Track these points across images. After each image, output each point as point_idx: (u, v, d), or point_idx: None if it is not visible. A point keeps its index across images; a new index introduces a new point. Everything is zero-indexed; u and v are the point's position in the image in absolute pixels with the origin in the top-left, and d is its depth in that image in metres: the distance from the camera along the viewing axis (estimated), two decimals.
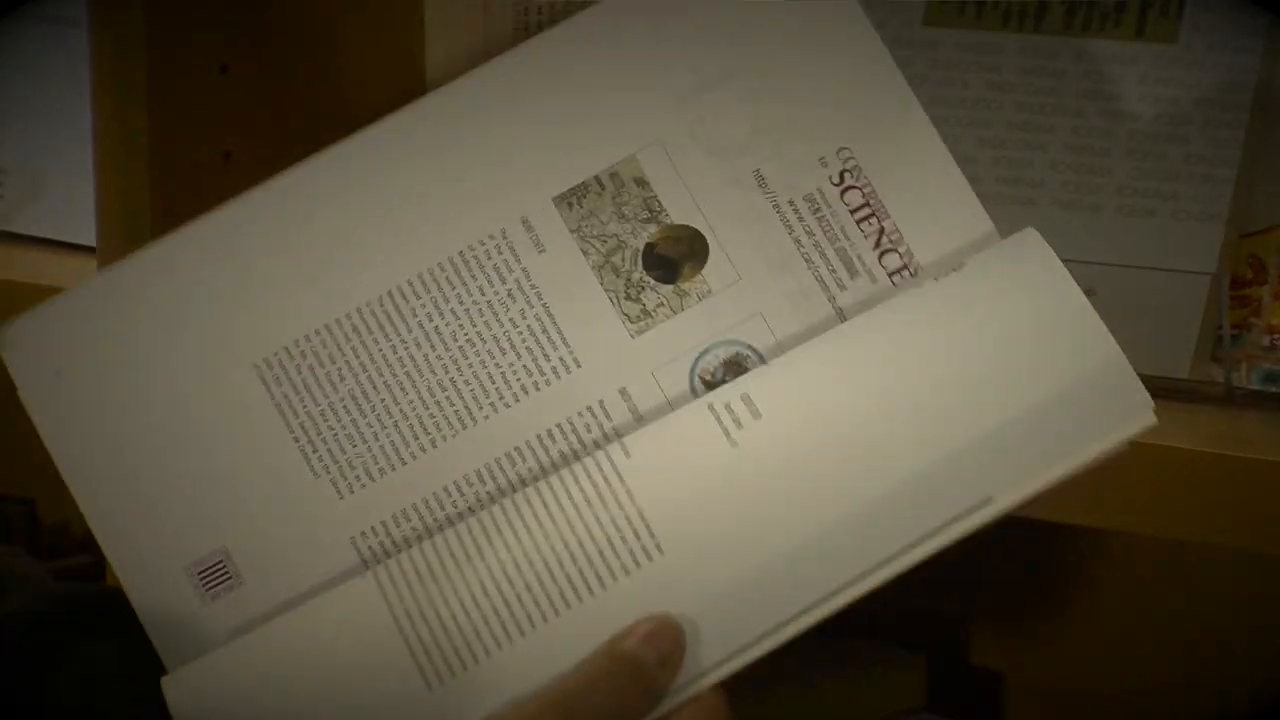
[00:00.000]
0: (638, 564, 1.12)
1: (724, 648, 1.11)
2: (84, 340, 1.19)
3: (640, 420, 1.17)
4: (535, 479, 1.17)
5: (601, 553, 1.12)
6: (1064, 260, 1.23)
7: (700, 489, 1.14)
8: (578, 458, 1.16)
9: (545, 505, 1.15)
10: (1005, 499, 1.08)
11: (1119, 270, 1.32)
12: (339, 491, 1.15)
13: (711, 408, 1.12)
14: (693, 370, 1.15)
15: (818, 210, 1.13)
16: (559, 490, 1.15)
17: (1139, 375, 1.21)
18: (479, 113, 1.18)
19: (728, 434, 1.12)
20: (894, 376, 1.14)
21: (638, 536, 1.12)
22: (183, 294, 1.19)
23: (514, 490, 1.17)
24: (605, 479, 1.14)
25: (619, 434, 1.17)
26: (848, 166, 1.14)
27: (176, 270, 1.19)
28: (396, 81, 1.51)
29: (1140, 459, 1.14)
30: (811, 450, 1.13)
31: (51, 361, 1.18)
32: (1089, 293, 1.22)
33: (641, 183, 1.14)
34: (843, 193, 1.13)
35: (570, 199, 1.14)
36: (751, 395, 1.12)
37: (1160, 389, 1.21)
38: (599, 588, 1.12)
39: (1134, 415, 1.09)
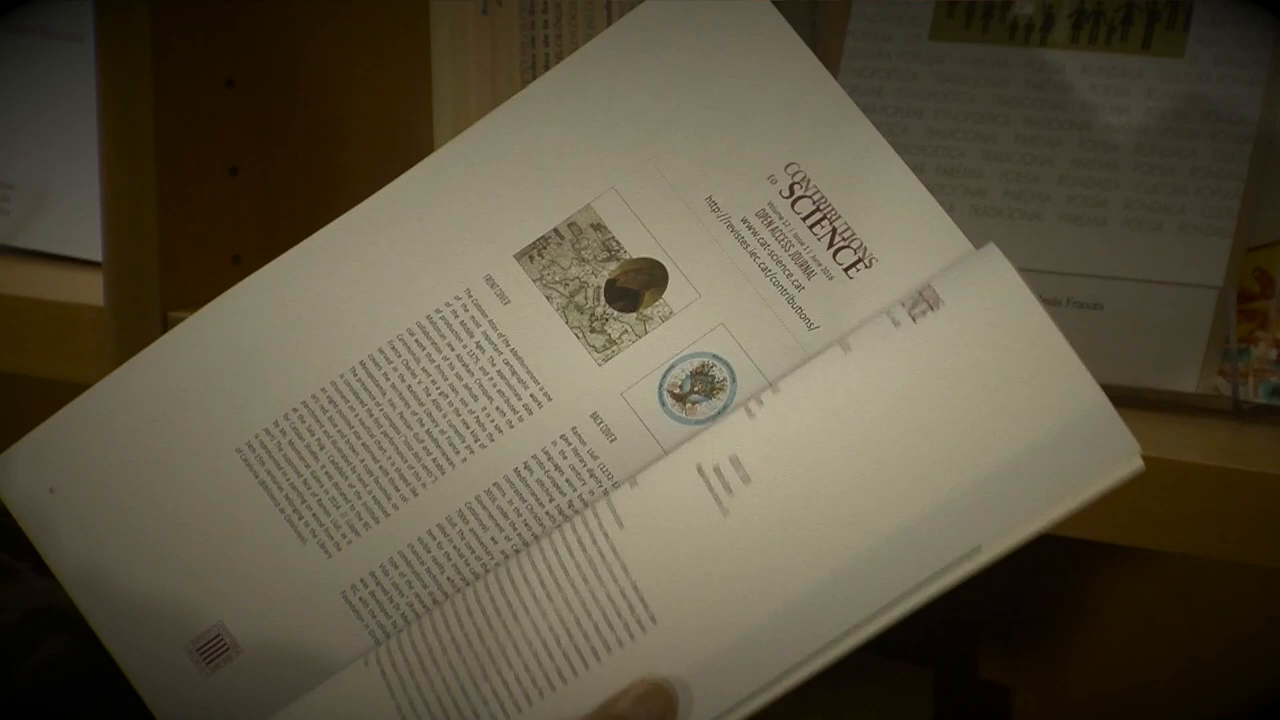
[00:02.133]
0: (632, 636, 1.12)
1: (716, 706, 1.12)
2: (73, 458, 1.21)
3: (613, 439, 1.16)
4: (513, 517, 1.17)
5: (598, 628, 1.13)
6: (1071, 275, 1.31)
7: (693, 559, 1.15)
8: (556, 486, 1.17)
9: (541, 582, 1.15)
10: (994, 548, 1.09)
11: (1126, 284, 1.32)
12: (326, 551, 1.17)
13: (701, 470, 1.13)
14: (660, 385, 1.15)
15: (770, 223, 1.14)
16: (554, 564, 1.15)
17: (1146, 389, 1.27)
18: (443, 186, 1.21)
19: (719, 502, 1.13)
20: (879, 430, 1.14)
21: (632, 610, 1.13)
22: (163, 398, 1.21)
23: (495, 531, 1.17)
24: (600, 554, 1.15)
25: (594, 456, 1.17)
26: (796, 179, 1.15)
27: (154, 379, 1.21)
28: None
29: (1149, 473, 1.11)
30: (801, 513, 1.14)
31: (44, 481, 1.20)
32: (1096, 307, 1.30)
33: (599, 227, 1.16)
34: (793, 203, 1.14)
35: (531, 252, 1.16)
36: (740, 457, 1.12)
37: (1167, 403, 1.29)
38: (594, 661, 1.13)
39: (1121, 462, 1.08)
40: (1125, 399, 1.18)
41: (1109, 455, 1.09)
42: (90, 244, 1.55)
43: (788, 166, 1.15)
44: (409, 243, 1.20)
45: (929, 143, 1.32)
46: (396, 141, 1.61)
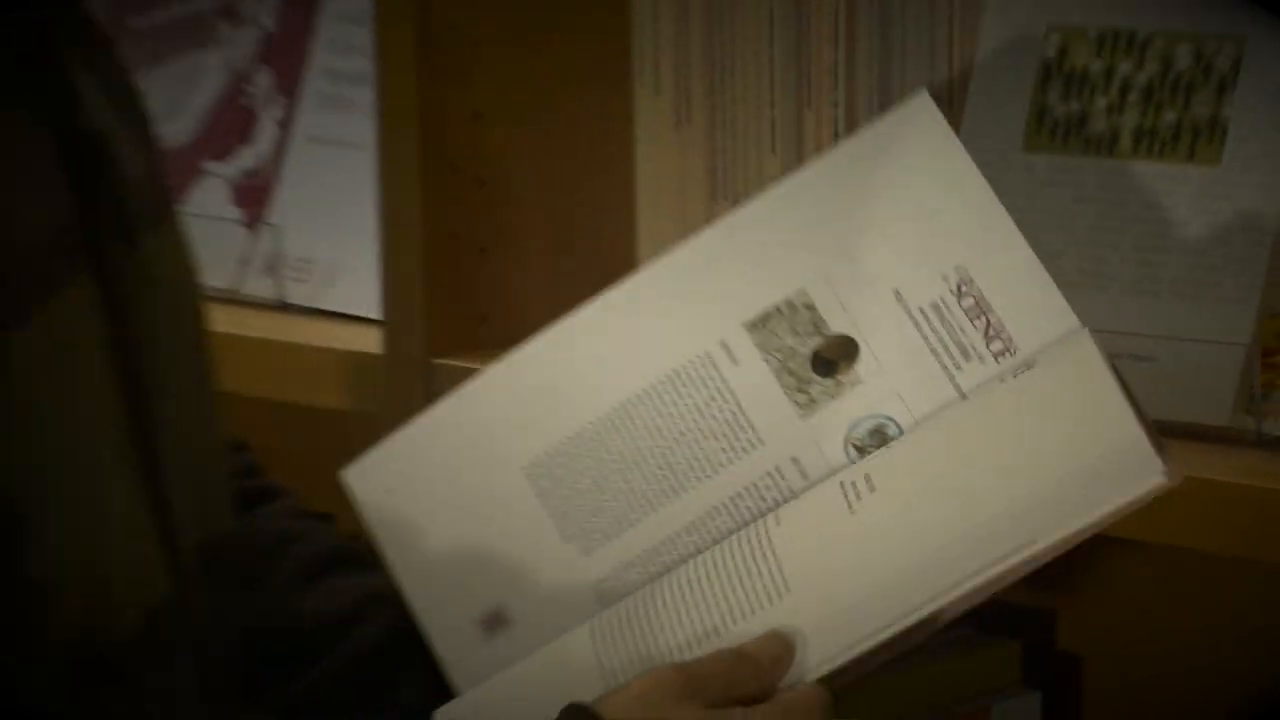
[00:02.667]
0: (770, 601, 1.18)
1: (824, 654, 1.16)
2: (406, 467, 1.26)
3: (806, 479, 1.22)
4: (727, 534, 1.23)
5: (748, 596, 1.18)
6: (1131, 334, 1.32)
7: (822, 544, 1.19)
8: (761, 515, 1.22)
9: (716, 567, 1.21)
10: (1044, 541, 1.13)
11: (1174, 341, 1.35)
12: (585, 551, 1.22)
13: (841, 485, 1.19)
14: (846, 440, 1.21)
15: (940, 314, 1.18)
16: (726, 555, 1.21)
17: (1190, 424, 1.29)
18: (693, 270, 1.25)
19: (850, 505, 1.18)
20: (969, 460, 1.19)
21: (774, 580, 1.18)
22: (473, 424, 1.25)
23: (712, 544, 1.23)
24: (759, 543, 1.21)
25: (793, 492, 1.22)
26: (963, 279, 1.19)
27: (468, 410, 1.26)
28: (612, 258, 1.56)
29: (1189, 486, 1.14)
30: (908, 513, 1.18)
31: (385, 485, 1.25)
32: (1150, 359, 1.31)
33: (810, 307, 1.20)
34: (959, 299, 1.19)
35: (757, 324, 1.20)
36: (871, 475, 1.19)
37: (1207, 435, 1.30)
38: (741, 619, 1.18)
39: (1147, 479, 1.12)
40: (1172, 431, 1.22)
41: (1138, 475, 1.12)
42: (371, 306, 1.56)
43: (956, 268, 1.19)
44: (665, 313, 1.24)
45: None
46: (603, 228, 1.60)
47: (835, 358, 1.19)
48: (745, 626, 1.16)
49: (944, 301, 1.18)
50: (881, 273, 1.20)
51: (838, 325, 1.19)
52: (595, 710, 1.14)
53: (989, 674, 1.52)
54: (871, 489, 1.18)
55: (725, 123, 1.53)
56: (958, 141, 1.20)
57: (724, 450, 1.21)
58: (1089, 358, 1.16)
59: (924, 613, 1.13)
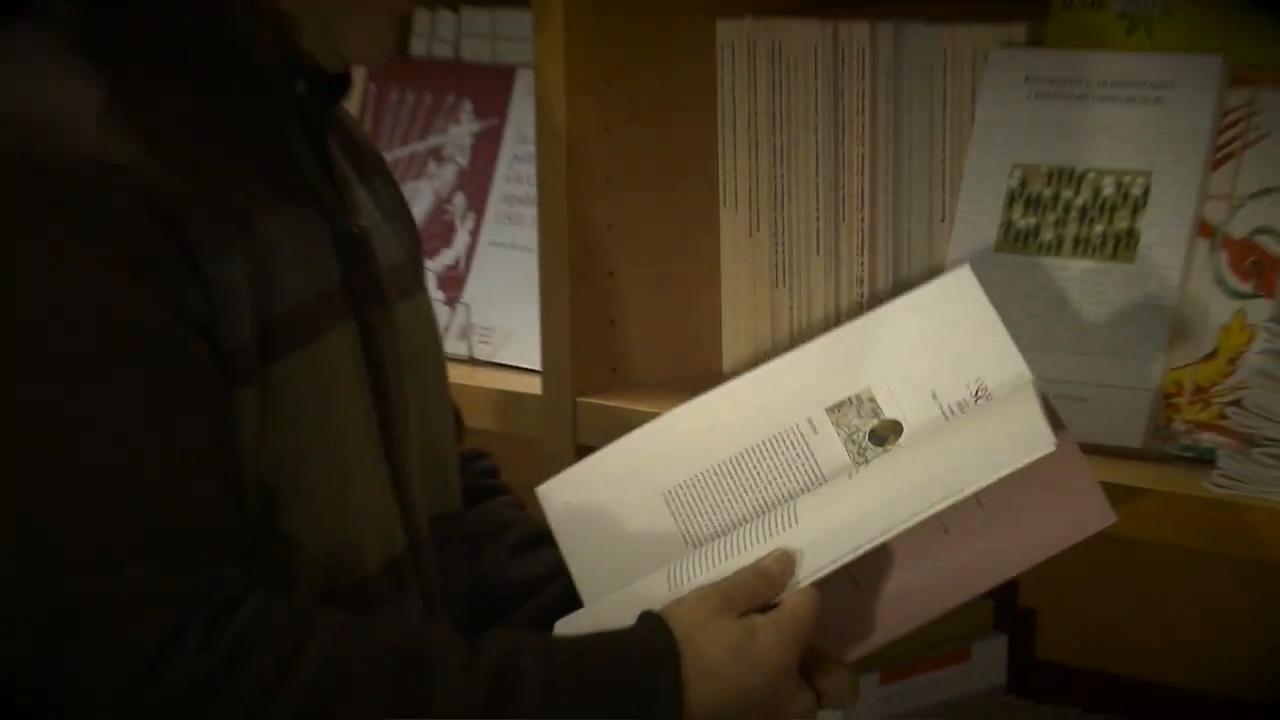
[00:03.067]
0: (784, 529, 1.18)
1: (815, 565, 1.16)
2: (580, 486, 1.26)
3: None
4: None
5: (770, 527, 1.18)
6: (1071, 383, 1.33)
7: (825, 496, 1.20)
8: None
9: (756, 521, 1.21)
10: (972, 487, 1.13)
11: (1103, 388, 1.35)
12: (694, 546, 1.22)
13: (850, 467, 1.21)
14: None
15: (963, 408, 1.22)
16: (765, 515, 1.21)
17: (1113, 446, 1.30)
18: (795, 375, 1.25)
19: (850, 475, 1.20)
20: (931, 444, 1.20)
21: (788, 517, 1.19)
22: (632, 458, 1.25)
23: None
24: (789, 502, 1.21)
25: None
26: (980, 385, 1.22)
27: (629, 448, 1.26)
28: (701, 331, 1.58)
29: (1114, 492, 1.18)
30: (882, 475, 1.19)
31: (566, 498, 1.25)
32: (1086, 400, 1.33)
33: (871, 400, 1.23)
34: (975, 399, 1.22)
35: (834, 408, 1.23)
36: (870, 459, 1.21)
37: (1126, 454, 1.32)
38: (762, 544, 1.17)
39: (1043, 448, 1.12)
40: (1102, 451, 1.28)
41: (1038, 446, 1.13)
42: (533, 360, 1.57)
43: (976, 379, 1.21)
44: (775, 396, 1.25)
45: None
46: (696, 307, 1.59)
47: (886, 434, 1.23)
48: (763, 548, 1.17)
49: (966, 401, 1.21)
50: (925, 381, 1.22)
51: (890, 413, 1.23)
52: (661, 614, 1.14)
53: (970, 624, 1.51)
54: (866, 463, 1.21)
55: (783, 233, 1.54)
56: (987, 301, 1.22)
57: (801, 487, 1.23)
58: (1022, 382, 1.19)
59: (884, 537, 1.14)
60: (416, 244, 1.33)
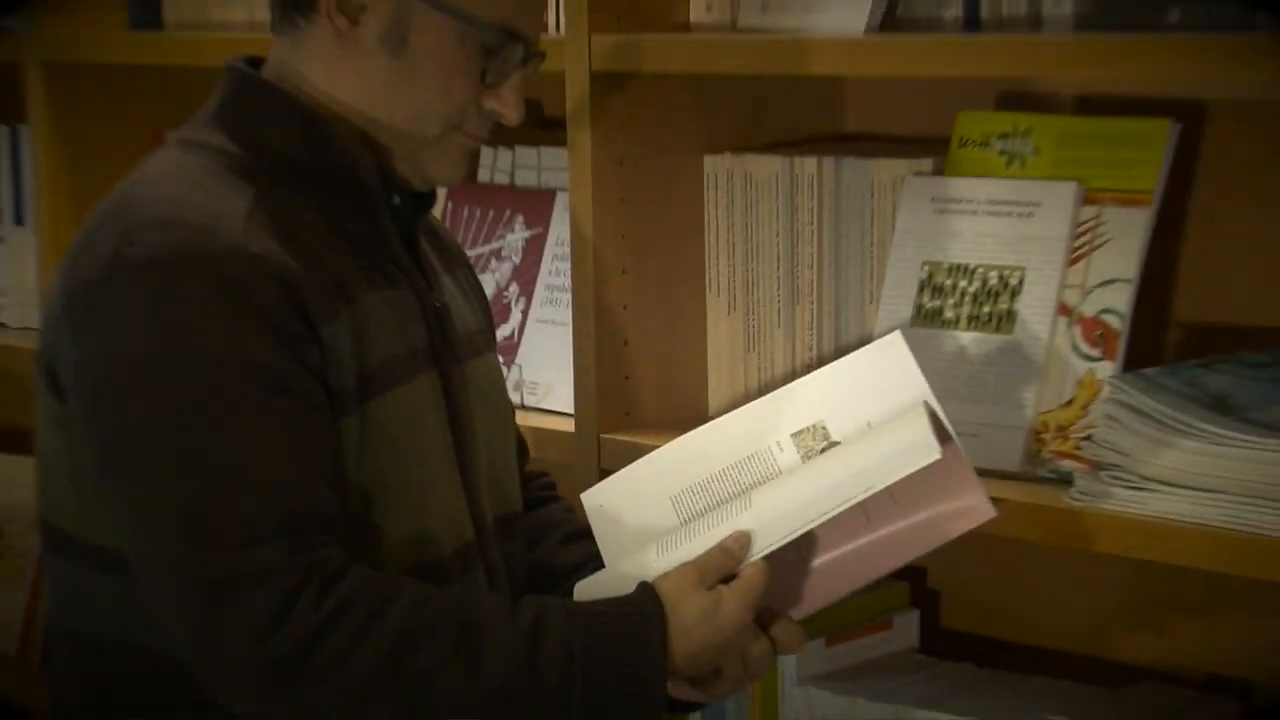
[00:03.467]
0: (741, 513, 1.15)
1: (764, 543, 1.13)
2: (613, 492, 1.24)
3: None
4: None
5: (731, 514, 1.16)
6: (967, 423, 1.27)
7: (773, 488, 1.17)
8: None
9: (723, 508, 1.17)
10: (879, 486, 1.11)
11: (989, 427, 1.33)
12: (687, 525, 1.19)
13: (799, 456, 1.19)
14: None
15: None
16: (731, 504, 1.17)
17: (997, 470, 1.27)
18: (769, 411, 1.23)
19: (793, 471, 1.16)
20: (847, 450, 1.17)
21: (745, 504, 1.15)
22: (647, 472, 1.23)
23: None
24: (745, 493, 1.17)
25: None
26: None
27: (645, 468, 1.24)
28: (692, 384, 1.53)
29: (1002, 507, 1.17)
30: (811, 473, 1.16)
31: (600, 501, 1.24)
32: (976, 435, 1.28)
33: (823, 428, 1.22)
34: None
35: (796, 434, 1.22)
36: (807, 461, 1.17)
37: (1006, 475, 1.30)
38: (723, 526, 1.14)
39: (930, 455, 1.11)
40: (990, 473, 1.25)
41: (927, 454, 1.11)
42: (568, 405, 1.55)
43: (867, 423, 1.19)
44: (746, 430, 1.23)
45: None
46: (687, 366, 1.55)
47: (826, 446, 1.22)
48: (727, 528, 1.15)
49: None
50: (866, 416, 1.21)
51: (836, 437, 1.22)
52: (653, 585, 1.12)
53: (889, 601, 1.50)
54: (804, 463, 1.19)
55: (752, 312, 1.52)
56: (913, 361, 1.20)
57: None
58: (918, 405, 1.18)
59: (815, 523, 1.12)
60: (489, 317, 1.33)
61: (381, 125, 1.17)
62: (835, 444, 1.19)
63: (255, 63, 1.21)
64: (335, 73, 1.16)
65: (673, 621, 1.10)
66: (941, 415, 1.15)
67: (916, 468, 1.10)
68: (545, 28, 1.46)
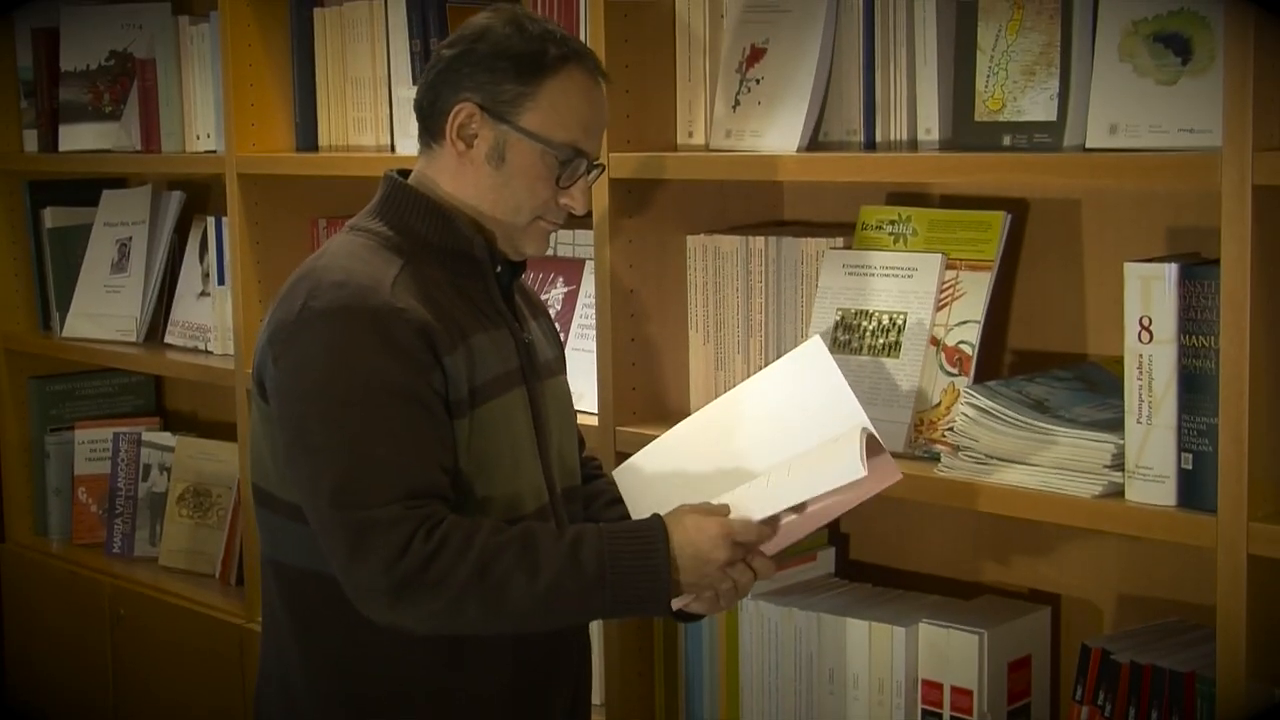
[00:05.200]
0: (736, 487, 1.18)
1: (760, 513, 1.16)
2: (639, 464, 1.29)
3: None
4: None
5: (710, 493, 1.20)
6: (875, 420, 1.25)
7: (753, 483, 1.18)
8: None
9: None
10: (818, 490, 1.12)
11: (886, 422, 1.37)
12: (678, 490, 1.24)
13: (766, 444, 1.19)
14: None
15: (820, 423, 1.21)
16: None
17: (892, 451, 1.26)
18: (728, 406, 1.25)
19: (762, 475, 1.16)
20: (797, 462, 1.16)
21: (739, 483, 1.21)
22: (662, 447, 1.28)
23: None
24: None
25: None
26: (831, 413, 1.22)
27: (666, 443, 1.28)
28: (679, 394, 1.50)
29: (904, 474, 1.21)
30: (777, 477, 1.16)
31: (629, 473, 1.27)
32: (879, 424, 1.25)
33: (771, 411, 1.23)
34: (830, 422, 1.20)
35: (753, 418, 1.20)
36: (772, 470, 1.17)
37: (895, 454, 1.30)
38: (706, 494, 1.17)
39: (857, 472, 1.13)
40: (894, 454, 1.29)
41: (854, 472, 1.14)
42: (594, 406, 1.55)
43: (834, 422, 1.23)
44: (713, 421, 1.24)
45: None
46: (676, 379, 1.55)
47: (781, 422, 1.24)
48: (706, 495, 1.20)
49: (827, 436, 1.24)
50: (801, 396, 1.22)
51: (781, 422, 1.25)
52: (664, 516, 1.15)
53: (814, 540, 1.54)
54: (769, 463, 1.24)
55: (721, 344, 1.58)
56: (835, 365, 1.23)
57: (737, 460, 1.23)
58: (855, 422, 1.23)
59: (786, 505, 1.16)
60: (561, 350, 1.42)
61: (488, 216, 1.27)
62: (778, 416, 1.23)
63: (405, 172, 1.31)
64: (457, 180, 1.26)
65: (673, 530, 1.18)
66: (876, 434, 1.20)
67: (846, 481, 1.17)
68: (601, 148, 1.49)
